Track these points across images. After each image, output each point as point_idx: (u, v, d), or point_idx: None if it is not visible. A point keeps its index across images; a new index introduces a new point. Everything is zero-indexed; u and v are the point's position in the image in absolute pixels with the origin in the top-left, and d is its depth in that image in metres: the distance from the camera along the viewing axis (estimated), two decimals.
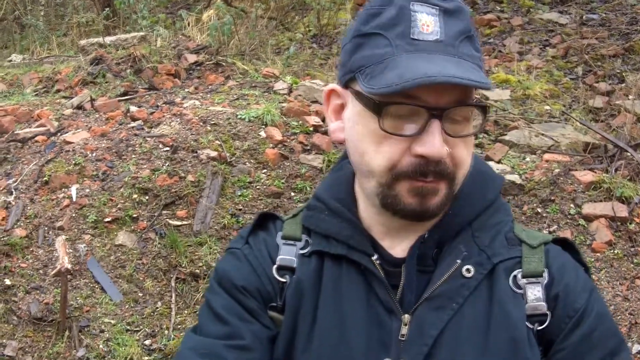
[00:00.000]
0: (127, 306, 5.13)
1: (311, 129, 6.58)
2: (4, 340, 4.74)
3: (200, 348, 1.56)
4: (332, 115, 1.61)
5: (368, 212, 1.59)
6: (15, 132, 6.45)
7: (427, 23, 1.42)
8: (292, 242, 1.64)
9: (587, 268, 1.61)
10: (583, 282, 1.56)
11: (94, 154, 6.02)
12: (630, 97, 7.58)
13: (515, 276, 1.54)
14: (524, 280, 1.54)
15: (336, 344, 1.53)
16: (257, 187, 5.95)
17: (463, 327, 1.49)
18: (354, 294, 1.55)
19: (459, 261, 1.52)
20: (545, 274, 1.55)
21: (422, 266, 1.54)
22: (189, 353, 1.56)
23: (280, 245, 1.64)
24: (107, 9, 10.15)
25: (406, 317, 1.51)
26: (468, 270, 1.52)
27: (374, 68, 1.43)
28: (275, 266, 1.62)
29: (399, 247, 1.57)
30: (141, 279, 5.31)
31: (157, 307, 5.18)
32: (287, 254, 1.63)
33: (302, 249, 1.63)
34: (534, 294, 1.53)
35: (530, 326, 1.51)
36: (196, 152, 6.08)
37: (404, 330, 1.50)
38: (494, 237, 1.57)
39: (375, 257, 1.55)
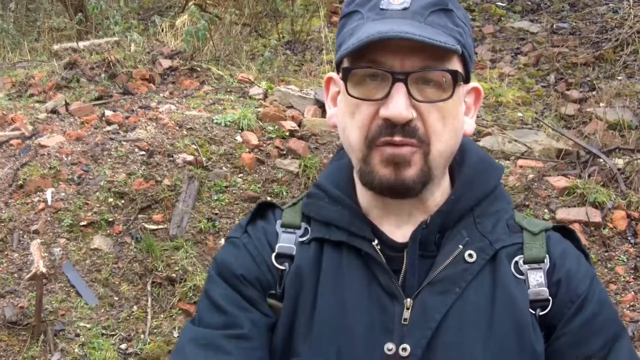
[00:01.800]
0: (102, 310, 5.10)
1: (287, 133, 6.59)
2: None
3: (200, 339, 1.56)
4: (330, 102, 1.63)
5: (365, 197, 1.60)
6: None
7: None
8: (291, 230, 1.64)
9: (587, 255, 1.62)
10: (585, 268, 1.58)
11: (69, 158, 5.99)
12: (601, 104, 7.66)
13: (516, 262, 1.55)
14: (526, 266, 1.55)
15: (337, 330, 1.53)
16: (234, 191, 5.95)
17: (467, 312, 1.50)
18: (354, 280, 1.55)
19: (461, 246, 1.53)
20: (547, 260, 1.56)
21: (424, 251, 1.55)
22: (188, 344, 1.56)
23: (280, 233, 1.64)
24: (79, 14, 10.10)
25: (408, 302, 1.51)
26: (470, 256, 1.53)
27: (347, 41, 1.47)
28: (274, 254, 1.62)
29: (399, 232, 1.57)
30: (117, 283, 5.28)
31: (133, 311, 5.16)
32: (287, 242, 1.62)
33: (301, 236, 1.63)
34: (536, 279, 1.54)
35: (533, 312, 1.53)
36: (172, 157, 6.07)
37: (407, 314, 1.51)
38: (495, 223, 1.58)
39: (375, 242, 1.55)
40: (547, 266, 1.56)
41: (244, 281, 1.60)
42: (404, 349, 1.49)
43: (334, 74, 1.61)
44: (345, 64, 1.48)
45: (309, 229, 1.63)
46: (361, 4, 1.49)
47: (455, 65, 1.47)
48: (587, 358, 1.52)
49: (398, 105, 1.42)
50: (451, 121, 1.49)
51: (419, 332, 1.49)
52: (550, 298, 1.54)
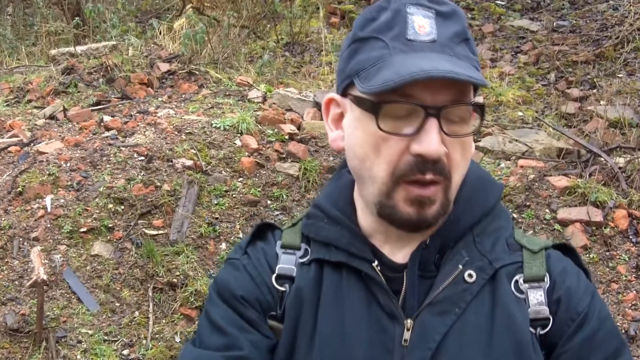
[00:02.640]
0: (104, 316, 5.09)
1: (286, 137, 6.58)
2: None
3: None
4: (331, 124, 1.60)
5: (367, 221, 1.58)
6: None
7: (423, 24, 1.43)
8: (291, 251, 1.63)
9: (587, 272, 1.61)
10: (584, 285, 1.57)
11: (68, 164, 5.98)
12: (602, 102, 7.65)
13: (516, 281, 1.54)
14: (526, 285, 1.54)
15: (337, 351, 1.52)
16: (234, 195, 5.94)
17: (467, 332, 1.49)
18: (354, 301, 1.54)
19: (460, 266, 1.52)
20: (547, 279, 1.55)
21: (424, 272, 1.53)
22: None
23: (280, 254, 1.63)
24: (76, 17, 10.08)
25: (409, 322, 1.50)
26: (470, 275, 1.52)
27: (370, 70, 1.43)
28: (274, 275, 1.61)
29: (399, 253, 1.56)
30: (118, 288, 5.27)
31: (135, 317, 5.15)
32: (287, 263, 1.62)
33: (301, 257, 1.62)
34: (536, 298, 1.53)
35: (533, 330, 1.52)
36: (171, 161, 6.05)
37: (407, 335, 1.50)
38: (494, 242, 1.57)
39: (375, 263, 1.54)
40: (547, 284, 1.55)
41: (244, 302, 1.59)
42: None
43: (335, 95, 1.57)
44: (370, 96, 1.43)
45: (309, 249, 1.62)
46: (380, 30, 1.45)
47: (472, 94, 1.46)
48: None
49: (433, 142, 1.39)
50: (468, 151, 1.50)
51: (419, 352, 1.48)
52: (550, 317, 1.53)
